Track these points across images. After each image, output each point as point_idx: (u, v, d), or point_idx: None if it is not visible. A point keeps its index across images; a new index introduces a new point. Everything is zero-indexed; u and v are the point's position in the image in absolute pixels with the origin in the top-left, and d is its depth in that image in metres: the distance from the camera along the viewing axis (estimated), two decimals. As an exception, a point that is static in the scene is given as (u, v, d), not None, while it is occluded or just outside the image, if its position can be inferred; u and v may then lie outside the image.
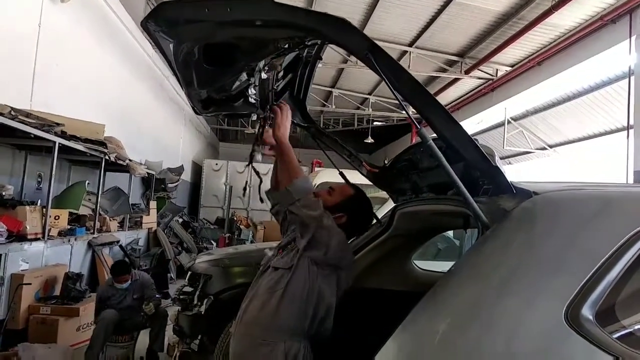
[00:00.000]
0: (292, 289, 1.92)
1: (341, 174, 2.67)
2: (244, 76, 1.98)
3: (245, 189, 11.96)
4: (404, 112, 1.72)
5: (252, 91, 2.12)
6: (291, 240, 2.13)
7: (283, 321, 1.90)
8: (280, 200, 2.08)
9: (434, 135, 1.66)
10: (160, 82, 11.86)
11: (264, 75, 2.05)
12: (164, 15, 1.57)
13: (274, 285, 1.96)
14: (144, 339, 4.87)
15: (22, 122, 4.80)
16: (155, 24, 1.58)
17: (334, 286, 1.97)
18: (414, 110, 1.68)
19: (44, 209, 5.42)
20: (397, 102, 1.65)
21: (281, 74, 2.28)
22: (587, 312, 1.18)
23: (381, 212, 3.74)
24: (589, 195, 1.59)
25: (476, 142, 1.58)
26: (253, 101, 2.19)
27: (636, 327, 1.28)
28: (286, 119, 2.09)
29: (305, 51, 2.19)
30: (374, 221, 2.88)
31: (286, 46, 1.82)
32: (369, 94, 16.10)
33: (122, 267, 4.95)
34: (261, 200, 2.37)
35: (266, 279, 2.03)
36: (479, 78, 12.35)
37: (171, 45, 1.70)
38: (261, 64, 2.00)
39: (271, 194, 2.32)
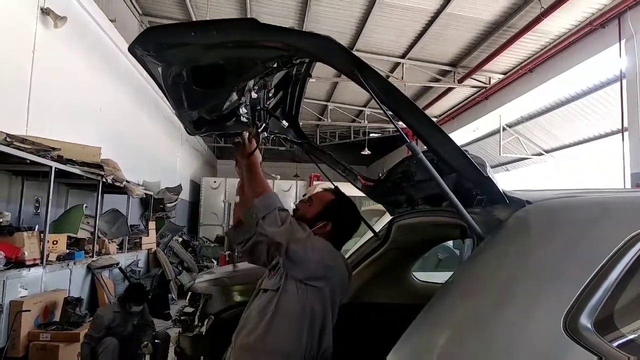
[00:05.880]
0: (282, 311, 1.82)
1: (336, 187, 2.66)
2: (234, 96, 1.98)
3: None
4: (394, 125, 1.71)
5: (243, 110, 2.12)
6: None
7: (275, 345, 1.81)
8: (247, 222, 1.92)
9: (425, 147, 1.66)
10: (155, 102, 11.91)
11: (254, 95, 2.05)
12: (151, 40, 1.57)
13: (263, 308, 1.87)
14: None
15: (18, 147, 4.82)
16: (142, 49, 1.59)
17: (327, 302, 1.86)
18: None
19: (42, 234, 5.40)
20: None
21: (272, 92, 2.28)
22: (585, 320, 1.17)
23: (379, 224, 3.73)
24: (582, 202, 1.58)
25: (466, 153, 1.58)
26: (245, 120, 2.19)
27: (636, 334, 1.27)
28: (251, 147, 2.06)
29: (295, 69, 2.20)
30: (372, 234, 2.90)
31: (275, 65, 1.83)
32: (364, 106, 16.19)
33: (140, 290, 5.03)
34: None
35: (257, 302, 1.95)
36: (473, 87, 12.44)
37: (159, 69, 1.71)
38: (251, 83, 2.01)
39: (237, 229, 2.19)
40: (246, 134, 2.14)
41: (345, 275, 1.99)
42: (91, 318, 5.31)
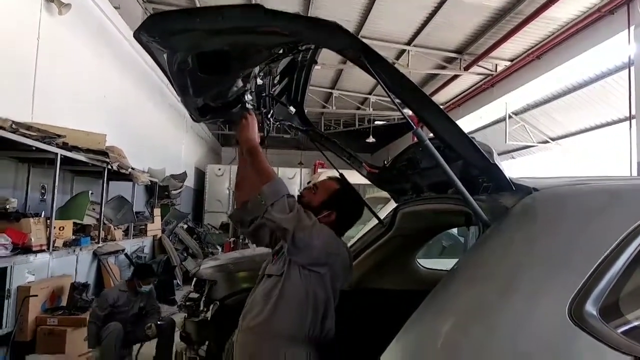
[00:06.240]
0: (286, 295, 1.88)
1: (341, 175, 2.66)
2: (239, 82, 1.98)
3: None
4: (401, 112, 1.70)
5: (248, 97, 2.12)
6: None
7: (281, 329, 1.87)
8: (254, 210, 1.93)
9: (431, 135, 1.65)
10: (160, 89, 11.90)
11: (259, 81, 2.05)
12: (156, 26, 1.57)
13: (268, 292, 1.92)
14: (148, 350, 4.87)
15: (24, 135, 4.83)
16: (147, 35, 1.58)
17: (328, 286, 1.92)
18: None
19: (48, 221, 5.44)
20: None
21: (277, 78, 2.28)
22: (590, 307, 1.17)
23: (384, 211, 3.73)
24: (589, 189, 1.57)
25: (473, 140, 1.57)
26: (250, 107, 2.19)
27: (641, 321, 1.27)
28: (250, 124, 2.04)
29: (300, 55, 2.19)
30: (376, 222, 2.90)
31: (280, 51, 1.82)
32: (369, 93, 16.09)
33: (148, 269, 5.17)
34: None
35: (262, 286, 2.00)
36: (479, 74, 12.32)
37: (165, 55, 1.70)
38: (256, 69, 2.00)
39: (241, 211, 2.09)
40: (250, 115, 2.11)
41: (347, 262, 2.05)
42: (97, 304, 5.38)
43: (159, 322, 4.82)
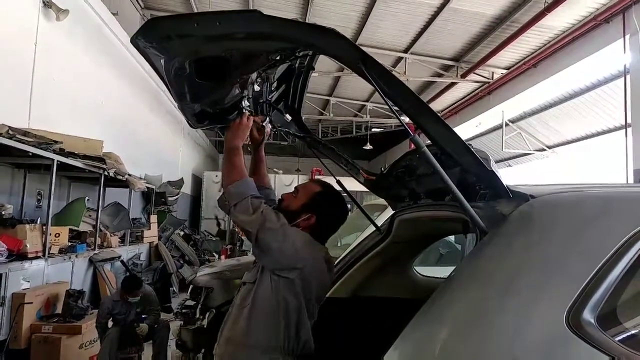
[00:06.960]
0: (258, 303, 1.82)
1: (338, 182, 2.65)
2: (237, 89, 1.98)
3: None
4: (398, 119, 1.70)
5: (246, 103, 2.11)
6: None
7: (255, 337, 1.80)
8: (221, 208, 1.91)
9: (429, 141, 1.65)
10: (157, 96, 11.90)
11: (257, 87, 2.05)
12: (153, 32, 1.56)
13: (242, 301, 1.87)
14: (148, 351, 4.90)
15: (20, 140, 4.82)
16: (145, 40, 1.57)
17: (299, 294, 1.83)
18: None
19: (44, 227, 5.41)
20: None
21: (274, 85, 2.28)
22: (588, 315, 1.16)
23: (381, 219, 3.73)
24: (586, 196, 1.57)
25: (470, 147, 1.57)
26: (247, 113, 2.18)
27: (638, 328, 1.27)
28: (240, 126, 2.00)
29: (298, 62, 2.18)
30: (373, 229, 2.90)
31: (278, 58, 1.82)
32: (366, 101, 16.15)
33: (135, 282, 5.09)
34: None
35: (238, 295, 1.95)
36: (475, 82, 12.38)
37: (162, 61, 1.70)
38: (254, 76, 2.00)
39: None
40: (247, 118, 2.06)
41: (321, 268, 1.95)
42: (93, 310, 5.36)
43: (148, 323, 4.84)
